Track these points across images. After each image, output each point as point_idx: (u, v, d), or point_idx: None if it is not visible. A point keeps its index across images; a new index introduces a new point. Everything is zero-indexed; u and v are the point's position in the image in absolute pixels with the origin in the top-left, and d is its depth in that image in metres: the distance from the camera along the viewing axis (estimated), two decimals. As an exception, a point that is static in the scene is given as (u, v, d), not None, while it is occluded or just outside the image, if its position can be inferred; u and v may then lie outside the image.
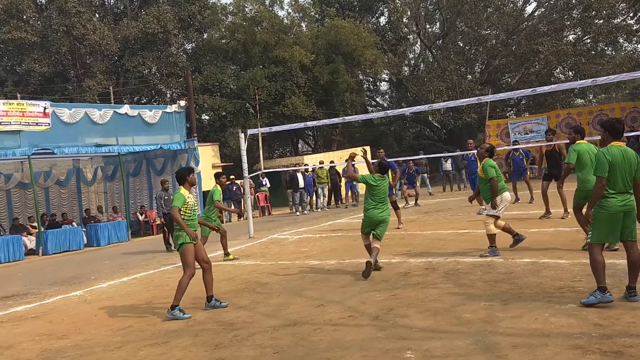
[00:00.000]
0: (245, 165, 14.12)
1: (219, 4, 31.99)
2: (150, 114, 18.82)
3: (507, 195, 8.00)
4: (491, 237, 7.84)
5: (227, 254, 10.46)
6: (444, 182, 22.66)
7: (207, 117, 31.40)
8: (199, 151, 19.69)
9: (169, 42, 30.25)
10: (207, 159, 22.64)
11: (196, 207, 6.78)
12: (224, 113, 28.60)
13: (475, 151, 12.42)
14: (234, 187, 20.66)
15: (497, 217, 7.89)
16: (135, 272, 10.36)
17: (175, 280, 8.71)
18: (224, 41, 30.48)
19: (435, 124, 36.81)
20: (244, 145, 14.10)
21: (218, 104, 28.01)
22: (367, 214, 7.84)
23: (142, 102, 32.48)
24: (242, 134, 14.18)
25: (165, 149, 19.00)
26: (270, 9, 30.31)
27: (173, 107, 19.58)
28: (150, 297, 8.02)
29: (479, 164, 8.47)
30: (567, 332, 4.54)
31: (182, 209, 6.52)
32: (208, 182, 21.04)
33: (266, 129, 15.92)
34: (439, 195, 20.32)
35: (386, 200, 7.94)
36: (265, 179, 22.51)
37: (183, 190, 6.62)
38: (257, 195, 22.03)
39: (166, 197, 13.02)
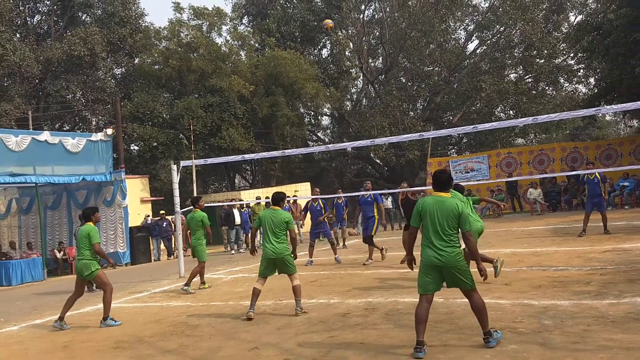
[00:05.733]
0: (177, 200, 13.87)
1: (152, 27, 31.78)
2: (73, 142, 18.23)
3: None
4: None
5: (203, 282, 11.36)
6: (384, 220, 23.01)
7: (136, 148, 30.74)
8: (127, 184, 19.24)
9: (96, 66, 29.76)
10: (136, 192, 22.06)
11: None
12: (155, 144, 28.08)
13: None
14: (164, 223, 20.29)
15: None
16: (51, 314, 9.89)
17: (95, 322, 8.56)
18: (156, 67, 30.20)
19: (378, 161, 37.51)
20: (176, 179, 13.87)
21: (149, 133, 27.54)
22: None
23: (65, 129, 31.58)
24: (175, 167, 13.95)
25: (88, 181, 18.44)
26: (208, 35, 30.27)
27: (99, 136, 19.06)
28: (67, 340, 7.67)
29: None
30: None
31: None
32: (136, 217, 20.58)
33: (201, 162, 15.55)
34: (381, 234, 20.38)
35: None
36: (198, 214, 22.11)
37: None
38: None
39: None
